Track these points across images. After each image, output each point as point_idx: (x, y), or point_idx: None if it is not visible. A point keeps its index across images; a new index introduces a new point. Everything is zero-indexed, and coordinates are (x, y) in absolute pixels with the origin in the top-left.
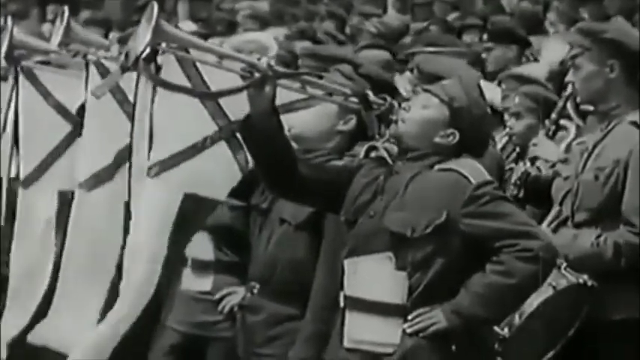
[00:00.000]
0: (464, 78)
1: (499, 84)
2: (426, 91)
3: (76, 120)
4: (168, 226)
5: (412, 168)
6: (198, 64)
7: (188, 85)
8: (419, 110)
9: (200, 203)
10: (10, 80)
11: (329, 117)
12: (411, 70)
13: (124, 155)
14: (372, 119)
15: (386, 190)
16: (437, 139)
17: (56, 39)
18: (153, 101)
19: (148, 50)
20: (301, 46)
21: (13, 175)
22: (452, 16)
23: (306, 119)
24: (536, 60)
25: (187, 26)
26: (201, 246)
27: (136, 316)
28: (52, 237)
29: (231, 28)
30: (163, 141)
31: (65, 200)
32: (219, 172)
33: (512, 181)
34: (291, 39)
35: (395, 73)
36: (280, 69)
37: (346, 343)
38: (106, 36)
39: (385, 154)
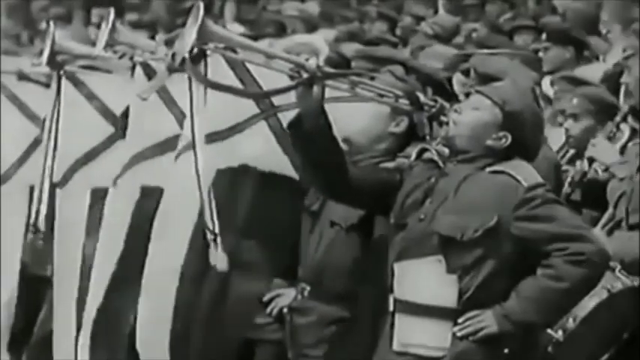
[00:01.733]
0: (518, 81)
1: (552, 85)
2: (478, 92)
3: (120, 122)
4: None
5: (463, 170)
6: (247, 65)
7: (239, 85)
8: (471, 112)
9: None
10: (53, 86)
11: (381, 119)
12: (463, 72)
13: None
14: (422, 120)
15: (436, 192)
16: (489, 142)
17: (102, 41)
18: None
19: (194, 51)
20: (352, 48)
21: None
22: (503, 18)
23: (358, 121)
24: (597, 59)
25: (234, 28)
26: None
27: None
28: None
29: (279, 30)
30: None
31: (97, 198)
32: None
33: (568, 180)
34: (340, 41)
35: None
36: (329, 69)
37: (396, 347)
38: (152, 39)
39: (436, 157)
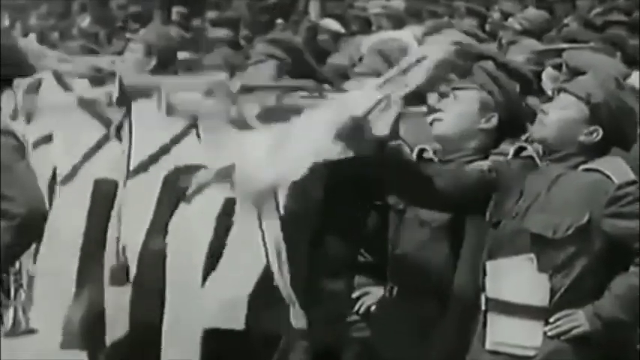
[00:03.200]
0: (599, 71)
1: None
2: (562, 90)
3: None
4: None
5: (555, 169)
6: None
7: None
8: (558, 112)
9: None
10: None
11: (470, 116)
12: (555, 67)
13: None
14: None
15: (528, 190)
16: (581, 138)
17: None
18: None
19: None
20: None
21: None
22: (594, 12)
23: (447, 119)
24: None
25: (329, 24)
26: None
27: None
28: None
29: (365, 26)
30: None
31: None
32: None
33: None
34: (428, 36)
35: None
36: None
37: (488, 345)
38: (235, 37)
39: (534, 154)
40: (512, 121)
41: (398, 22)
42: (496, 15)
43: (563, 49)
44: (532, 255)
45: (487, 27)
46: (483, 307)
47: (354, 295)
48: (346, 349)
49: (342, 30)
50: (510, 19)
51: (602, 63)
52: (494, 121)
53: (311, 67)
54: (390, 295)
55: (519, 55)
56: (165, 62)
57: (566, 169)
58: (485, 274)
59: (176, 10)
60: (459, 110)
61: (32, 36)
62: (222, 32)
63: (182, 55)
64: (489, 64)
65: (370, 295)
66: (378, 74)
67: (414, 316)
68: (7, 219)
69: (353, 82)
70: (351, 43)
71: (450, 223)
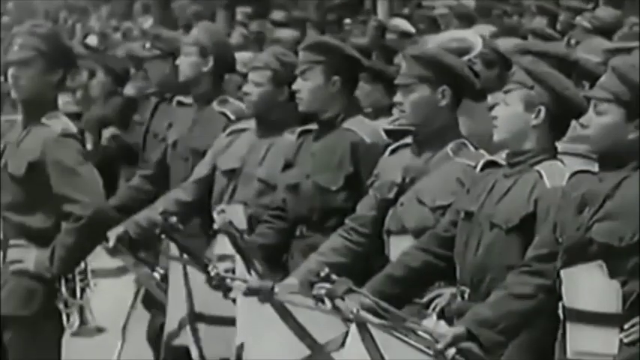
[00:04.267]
0: (622, 68)
1: None
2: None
3: None
4: None
5: (616, 175)
6: None
7: None
8: (599, 119)
9: None
10: None
11: (518, 116)
12: None
13: None
14: None
15: (591, 199)
16: (630, 137)
17: None
18: None
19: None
20: (509, 42)
21: None
22: None
23: (500, 125)
24: None
25: (399, 24)
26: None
27: None
28: None
29: (434, 25)
30: None
31: None
32: None
33: None
34: (497, 36)
35: None
36: None
37: (569, 355)
38: (301, 37)
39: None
40: (564, 113)
41: (468, 21)
42: (566, 14)
43: (633, 48)
44: (601, 262)
45: (558, 26)
46: (562, 317)
47: (427, 297)
48: None
49: (412, 30)
50: (579, 18)
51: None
52: (542, 114)
53: (360, 65)
54: (462, 298)
55: (589, 53)
56: (222, 63)
57: (629, 172)
58: (561, 282)
59: (240, 10)
60: (507, 114)
61: (93, 37)
62: (286, 32)
63: (244, 55)
64: (525, 60)
65: (442, 297)
66: None
67: None
68: (72, 221)
69: None
70: (418, 42)
71: (521, 225)
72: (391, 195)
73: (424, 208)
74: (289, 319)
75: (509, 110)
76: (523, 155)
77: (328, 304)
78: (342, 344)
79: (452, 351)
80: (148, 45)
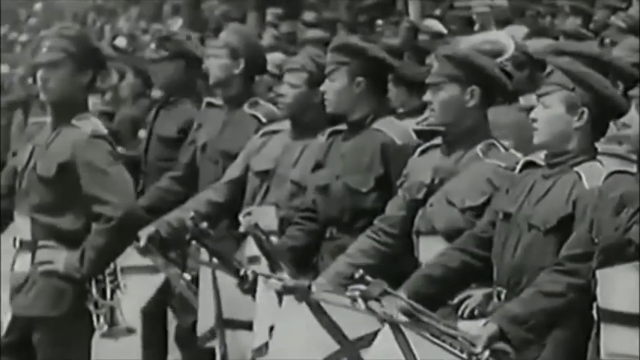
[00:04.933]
0: None
1: None
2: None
3: None
4: None
5: None
6: None
7: None
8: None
9: None
10: None
11: (560, 118)
12: None
13: None
14: None
15: (629, 200)
16: None
17: None
18: None
19: None
20: (542, 43)
21: None
22: None
23: (541, 127)
24: None
25: (432, 25)
26: (435, 251)
27: None
28: None
29: (467, 26)
30: None
31: None
32: None
33: None
34: (530, 37)
35: None
36: None
37: (603, 356)
38: (331, 38)
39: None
40: (605, 113)
41: (502, 21)
42: (600, 13)
43: None
44: (638, 263)
45: (591, 25)
46: (596, 318)
47: (458, 298)
48: None
49: (444, 30)
50: (613, 17)
51: None
52: (586, 116)
53: (388, 67)
54: (499, 299)
55: (623, 53)
56: (253, 65)
57: None
58: (596, 283)
59: (271, 12)
60: (548, 116)
61: (121, 39)
62: (317, 33)
63: (275, 56)
64: (562, 61)
65: (472, 298)
66: None
67: None
68: (102, 222)
69: None
70: (450, 43)
71: (559, 225)
72: (420, 196)
73: (453, 209)
74: (322, 316)
75: (549, 112)
76: (563, 156)
77: (362, 305)
78: (372, 342)
79: (487, 353)
80: (154, 46)
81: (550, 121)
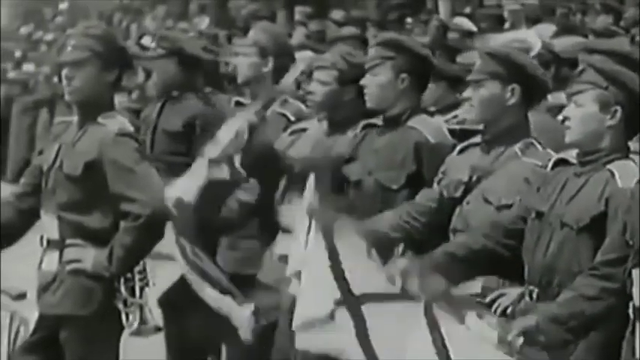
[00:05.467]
0: None
1: None
2: None
3: None
4: None
5: None
6: None
7: None
8: None
9: None
10: None
11: (593, 117)
12: None
13: None
14: None
15: None
16: None
17: None
18: None
19: None
20: (570, 41)
21: None
22: None
23: (574, 126)
24: None
25: (462, 23)
26: None
27: None
28: None
29: (497, 24)
30: None
31: None
32: None
33: None
34: (559, 35)
35: None
36: None
37: (638, 355)
38: (361, 36)
39: None
40: (638, 111)
41: (532, 19)
42: (631, 11)
43: None
44: None
45: (622, 23)
46: (632, 317)
47: (490, 297)
48: None
49: (474, 28)
50: None
51: None
52: (619, 115)
53: (430, 65)
54: (530, 298)
55: None
56: (282, 63)
57: None
58: (632, 282)
59: (299, 10)
60: (581, 115)
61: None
62: (350, 30)
63: (304, 54)
64: (594, 59)
65: (506, 297)
66: None
67: None
68: (130, 220)
69: None
70: (480, 41)
71: (592, 224)
72: (458, 193)
73: (490, 207)
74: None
75: (582, 111)
76: (596, 154)
77: (399, 283)
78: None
79: (520, 340)
80: (153, 44)
81: (583, 119)
